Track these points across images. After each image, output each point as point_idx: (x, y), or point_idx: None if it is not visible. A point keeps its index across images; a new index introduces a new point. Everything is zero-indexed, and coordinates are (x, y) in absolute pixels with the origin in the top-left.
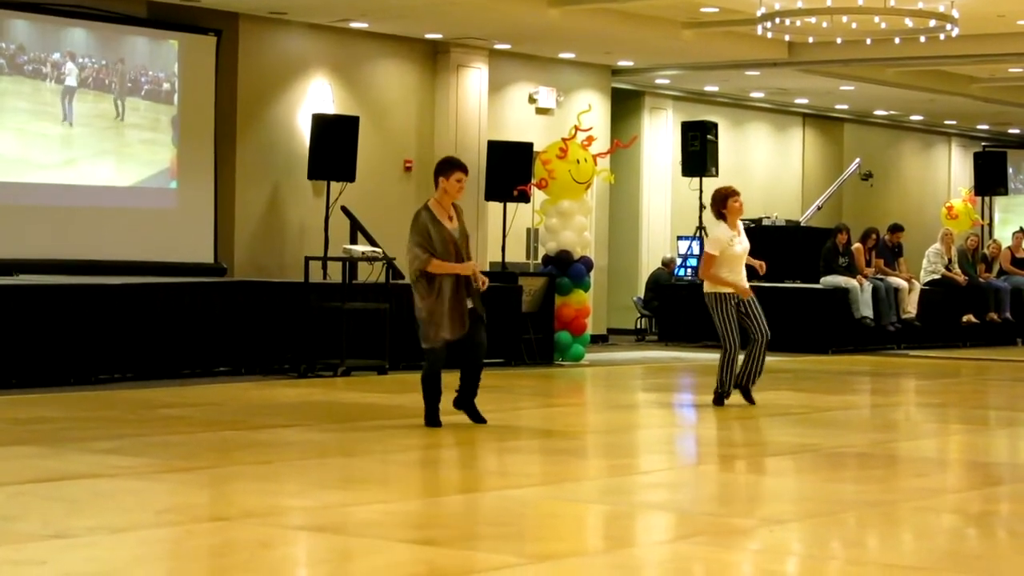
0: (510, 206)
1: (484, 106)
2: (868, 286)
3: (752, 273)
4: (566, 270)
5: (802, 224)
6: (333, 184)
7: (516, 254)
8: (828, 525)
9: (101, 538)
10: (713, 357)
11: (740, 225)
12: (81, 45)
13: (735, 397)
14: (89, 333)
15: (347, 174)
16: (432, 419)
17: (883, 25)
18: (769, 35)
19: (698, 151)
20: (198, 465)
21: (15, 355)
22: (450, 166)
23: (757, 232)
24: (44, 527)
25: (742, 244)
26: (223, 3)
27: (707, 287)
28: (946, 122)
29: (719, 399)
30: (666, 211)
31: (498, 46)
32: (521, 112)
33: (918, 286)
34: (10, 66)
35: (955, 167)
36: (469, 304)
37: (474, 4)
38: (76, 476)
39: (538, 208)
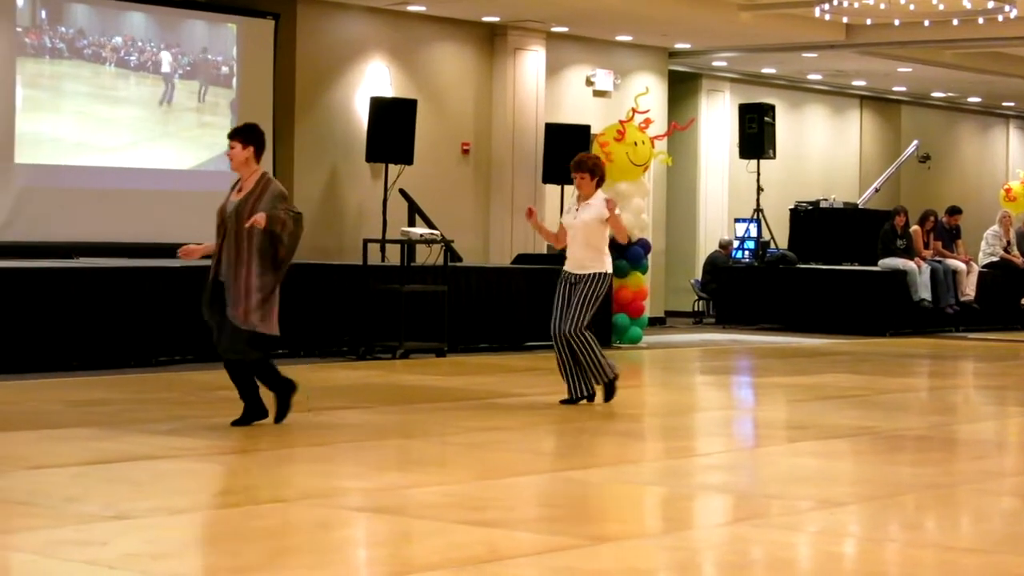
0: (567, 188)
1: (541, 89)
2: (926, 268)
3: (812, 256)
4: (624, 253)
5: (860, 206)
6: (391, 167)
7: None
8: (887, 508)
9: (161, 519)
10: (772, 340)
11: (595, 199)
12: (140, 29)
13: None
14: (149, 315)
15: (405, 157)
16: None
17: (941, 7)
18: (827, 17)
19: (756, 133)
20: (257, 447)
21: (76, 338)
22: None
23: (815, 214)
24: (105, 508)
25: (578, 216)
26: None
27: (607, 266)
28: (1004, 104)
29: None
30: (723, 193)
31: (555, 29)
32: (578, 95)
33: (976, 268)
34: (70, 50)
35: (1013, 149)
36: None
37: None
38: (136, 458)
39: None
